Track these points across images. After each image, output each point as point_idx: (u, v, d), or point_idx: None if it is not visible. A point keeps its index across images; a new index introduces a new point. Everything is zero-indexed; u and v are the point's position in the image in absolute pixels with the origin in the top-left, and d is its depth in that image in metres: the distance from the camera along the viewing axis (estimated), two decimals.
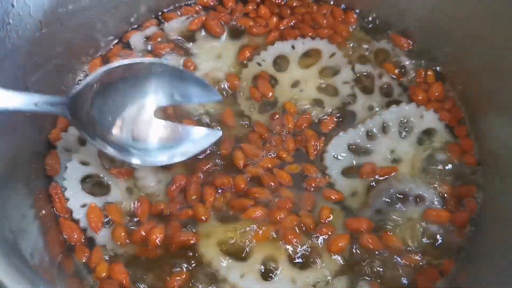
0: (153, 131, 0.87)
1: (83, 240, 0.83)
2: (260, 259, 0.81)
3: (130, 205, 0.86)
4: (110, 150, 0.82)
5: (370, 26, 1.08)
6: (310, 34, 1.05)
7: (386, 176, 0.89)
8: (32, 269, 0.66)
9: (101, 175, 0.88)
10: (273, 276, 0.80)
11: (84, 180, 0.87)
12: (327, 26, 1.07)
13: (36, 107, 0.72)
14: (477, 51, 0.92)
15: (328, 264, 0.81)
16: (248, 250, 0.81)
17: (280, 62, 1.03)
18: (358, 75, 1.01)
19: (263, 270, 0.81)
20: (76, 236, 0.82)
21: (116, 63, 0.81)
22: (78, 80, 0.97)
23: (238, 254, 0.81)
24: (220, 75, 1.00)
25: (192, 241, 0.81)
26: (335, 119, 0.95)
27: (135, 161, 0.85)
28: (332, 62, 1.02)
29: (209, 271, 0.80)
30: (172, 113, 0.93)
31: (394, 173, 0.89)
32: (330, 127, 0.94)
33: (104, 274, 0.79)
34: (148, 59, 0.91)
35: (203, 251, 0.81)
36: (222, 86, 0.98)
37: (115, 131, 0.84)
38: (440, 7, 0.98)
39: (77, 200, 0.85)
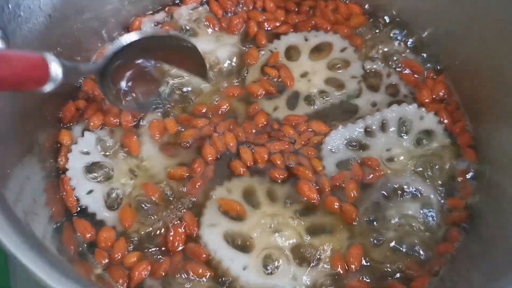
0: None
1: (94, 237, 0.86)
2: (263, 253, 0.84)
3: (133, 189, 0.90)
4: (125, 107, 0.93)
5: (382, 25, 1.09)
6: (327, 28, 1.08)
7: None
8: (45, 248, 0.70)
9: (102, 162, 0.92)
10: (274, 272, 0.82)
11: (88, 168, 0.91)
12: (334, 21, 1.09)
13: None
14: (483, 56, 0.93)
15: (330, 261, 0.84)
16: (252, 241, 0.84)
17: (292, 52, 1.06)
18: (367, 71, 1.03)
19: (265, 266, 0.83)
20: (89, 234, 0.86)
21: (140, 34, 0.87)
22: None
23: (241, 246, 0.84)
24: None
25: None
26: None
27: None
28: (343, 57, 1.05)
29: (212, 261, 0.83)
30: None
31: (379, 178, 0.91)
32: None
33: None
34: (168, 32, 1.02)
35: (207, 240, 0.84)
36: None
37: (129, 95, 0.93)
38: (450, 12, 0.98)
39: (82, 188, 0.89)
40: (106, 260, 0.83)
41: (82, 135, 0.94)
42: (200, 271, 0.81)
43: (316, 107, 0.99)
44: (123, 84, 0.91)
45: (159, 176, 0.91)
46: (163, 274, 0.81)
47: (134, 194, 0.89)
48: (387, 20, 1.09)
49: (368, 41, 1.07)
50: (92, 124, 0.95)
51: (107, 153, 0.93)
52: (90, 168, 0.91)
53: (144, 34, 0.88)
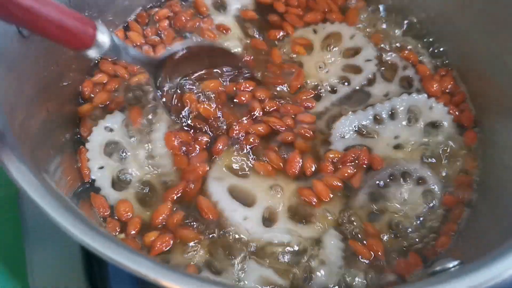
0: None
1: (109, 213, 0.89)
2: (262, 208, 0.88)
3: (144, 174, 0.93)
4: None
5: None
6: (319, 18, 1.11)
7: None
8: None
9: (123, 143, 0.95)
10: (272, 225, 0.87)
11: (107, 145, 0.94)
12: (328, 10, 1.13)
13: (131, 60, 0.86)
14: (489, 50, 0.94)
15: (322, 221, 0.87)
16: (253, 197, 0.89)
17: (304, 46, 1.08)
18: (384, 61, 1.06)
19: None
20: (105, 211, 0.88)
21: (197, 42, 1.02)
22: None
23: (244, 200, 0.89)
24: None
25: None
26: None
27: None
28: (353, 43, 1.08)
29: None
30: None
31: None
32: None
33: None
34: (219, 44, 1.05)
35: (212, 191, 0.89)
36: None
37: None
38: (456, 5, 1.01)
39: (96, 161, 0.92)
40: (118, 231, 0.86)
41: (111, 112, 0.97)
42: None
43: (339, 94, 1.02)
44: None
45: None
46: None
47: (141, 178, 0.92)
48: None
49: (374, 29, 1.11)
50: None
51: (131, 136, 0.95)
52: (109, 145, 0.94)
53: (193, 42, 0.99)
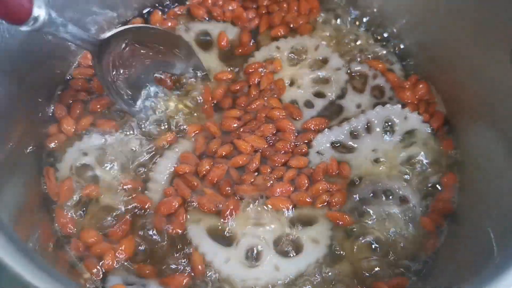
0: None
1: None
2: (245, 245, 0.84)
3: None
4: (118, 102, 0.94)
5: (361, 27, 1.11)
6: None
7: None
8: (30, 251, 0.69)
9: (95, 169, 0.91)
10: (257, 264, 0.83)
11: (79, 168, 0.91)
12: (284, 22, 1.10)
13: (70, 37, 0.82)
14: (459, 57, 0.94)
15: (312, 253, 0.85)
16: (233, 234, 0.85)
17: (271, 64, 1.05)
18: (353, 73, 1.04)
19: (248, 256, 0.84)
20: (70, 227, 0.86)
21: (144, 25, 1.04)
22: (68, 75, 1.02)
23: (224, 240, 0.85)
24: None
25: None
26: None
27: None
28: (319, 54, 1.05)
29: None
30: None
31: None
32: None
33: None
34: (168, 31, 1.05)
35: (191, 235, 0.85)
36: None
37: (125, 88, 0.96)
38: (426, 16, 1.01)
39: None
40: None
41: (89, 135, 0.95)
42: None
43: (317, 108, 1.00)
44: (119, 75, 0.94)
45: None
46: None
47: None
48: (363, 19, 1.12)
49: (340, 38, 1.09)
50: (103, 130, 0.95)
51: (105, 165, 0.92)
52: (80, 167, 0.91)
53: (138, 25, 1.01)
